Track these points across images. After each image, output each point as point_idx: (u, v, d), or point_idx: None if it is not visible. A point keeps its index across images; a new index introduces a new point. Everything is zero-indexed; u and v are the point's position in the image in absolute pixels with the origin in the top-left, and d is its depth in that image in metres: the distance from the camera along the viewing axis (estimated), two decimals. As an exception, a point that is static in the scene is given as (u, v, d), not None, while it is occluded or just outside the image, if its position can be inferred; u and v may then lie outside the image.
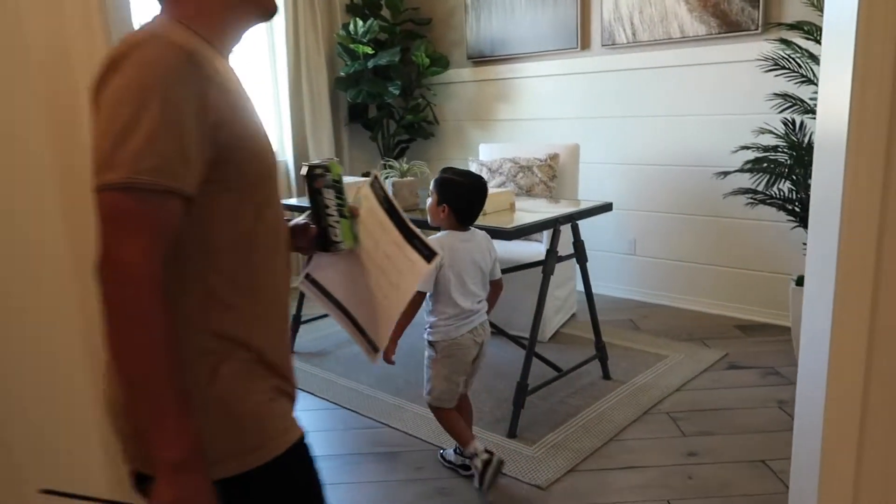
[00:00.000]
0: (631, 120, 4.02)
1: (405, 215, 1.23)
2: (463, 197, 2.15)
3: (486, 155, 4.13)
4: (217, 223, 0.94)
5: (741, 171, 3.12)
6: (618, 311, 3.99)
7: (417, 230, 1.21)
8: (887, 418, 1.41)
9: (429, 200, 2.21)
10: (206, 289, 0.94)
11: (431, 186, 2.20)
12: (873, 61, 1.29)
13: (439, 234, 2.20)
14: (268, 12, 1.06)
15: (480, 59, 4.68)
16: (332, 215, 1.21)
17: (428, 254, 1.19)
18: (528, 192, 3.77)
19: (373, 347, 1.26)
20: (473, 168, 3.99)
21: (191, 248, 0.92)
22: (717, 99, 3.67)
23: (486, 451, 2.22)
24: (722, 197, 3.65)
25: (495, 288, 2.33)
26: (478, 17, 4.61)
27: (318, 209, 1.21)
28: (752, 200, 3.12)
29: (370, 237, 1.24)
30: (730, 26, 3.56)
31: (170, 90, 0.84)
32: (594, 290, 3.07)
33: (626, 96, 3.99)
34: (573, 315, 3.90)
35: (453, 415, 2.28)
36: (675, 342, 3.47)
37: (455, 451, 2.39)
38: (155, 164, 0.82)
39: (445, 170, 2.22)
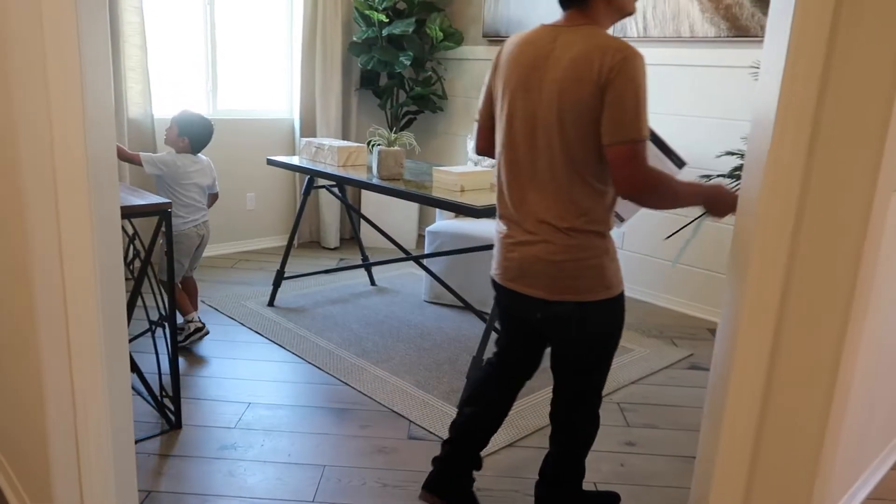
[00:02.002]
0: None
1: (665, 140, 1.84)
2: (201, 134, 3.04)
3: (485, 134, 4.16)
4: None
5: (724, 175, 3.14)
6: (597, 301, 4.03)
7: (672, 148, 1.84)
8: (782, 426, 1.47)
9: (168, 132, 3.03)
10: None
11: (174, 121, 3.02)
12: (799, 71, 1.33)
13: (171, 154, 3.02)
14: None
15: (496, 37, 4.69)
16: None
17: (679, 163, 1.84)
18: (520, 175, 3.81)
19: (619, 218, 1.84)
20: (470, 146, 4.03)
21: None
22: (712, 101, 3.67)
23: (200, 321, 3.14)
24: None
25: (212, 198, 3.24)
26: (497, -5, 4.61)
27: None
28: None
29: None
30: (738, 30, 3.55)
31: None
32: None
33: (630, 90, 3.98)
34: (551, 300, 3.96)
35: (180, 290, 3.13)
36: (645, 337, 3.52)
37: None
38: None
39: (185, 111, 3.06)
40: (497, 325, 2.09)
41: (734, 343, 1.51)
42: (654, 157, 1.78)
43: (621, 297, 1.74)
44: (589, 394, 1.86)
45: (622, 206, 1.80)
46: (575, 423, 1.88)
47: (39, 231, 1.49)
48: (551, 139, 1.60)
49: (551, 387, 1.91)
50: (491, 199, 2.79)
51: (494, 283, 1.82)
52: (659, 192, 1.56)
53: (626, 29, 3.93)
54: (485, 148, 1.87)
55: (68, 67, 1.37)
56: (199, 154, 3.08)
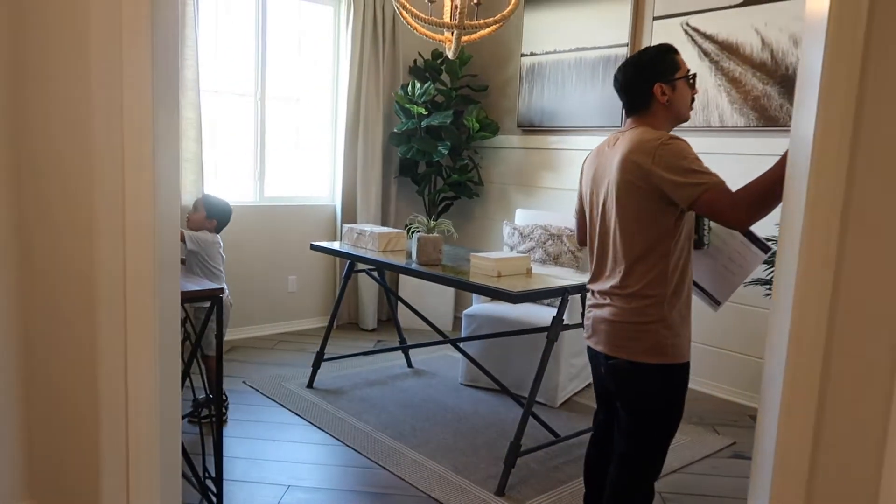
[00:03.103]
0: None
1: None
2: (226, 216, 3.31)
3: (521, 219, 4.28)
4: None
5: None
6: (635, 386, 4.00)
7: (758, 236, 1.97)
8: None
9: (194, 215, 3.22)
10: None
11: (200, 205, 3.24)
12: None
13: (204, 233, 3.19)
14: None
15: (530, 127, 4.88)
16: (706, 229, 2.00)
17: (763, 248, 1.96)
18: (555, 260, 3.89)
19: (715, 301, 2.06)
20: (506, 231, 4.14)
21: None
22: (750, 189, 3.73)
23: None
24: (742, 286, 3.67)
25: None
26: (531, 88, 4.84)
27: (699, 227, 1.98)
28: (769, 292, 3.15)
29: (719, 240, 2.03)
30: (767, 121, 3.66)
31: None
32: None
33: (662, 177, 4.09)
34: (588, 384, 3.94)
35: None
36: (685, 424, 3.46)
37: None
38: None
39: (208, 196, 3.34)
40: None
41: (776, 429, 1.51)
42: (739, 244, 1.98)
43: (679, 369, 1.91)
44: (637, 461, 1.95)
45: (716, 288, 2.05)
46: (624, 485, 1.97)
47: (107, 310, 1.60)
48: (614, 222, 1.90)
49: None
50: (527, 283, 2.86)
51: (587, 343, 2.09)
52: (761, 201, 1.73)
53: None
54: (581, 240, 2.19)
55: (143, 163, 1.52)
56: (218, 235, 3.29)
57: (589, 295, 2.07)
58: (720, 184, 1.75)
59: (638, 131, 1.88)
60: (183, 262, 3.17)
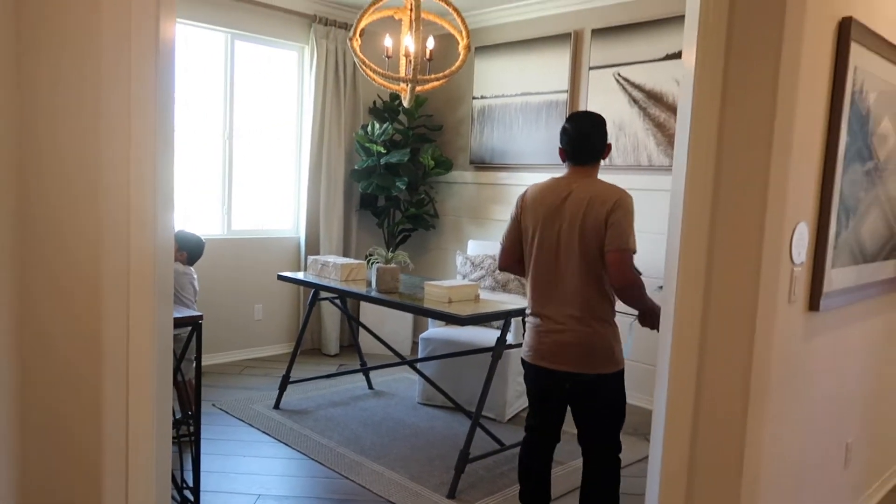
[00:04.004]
0: (603, 232, 4.52)
1: None
2: (197, 248, 3.54)
3: (472, 250, 4.64)
4: None
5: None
6: (578, 402, 4.35)
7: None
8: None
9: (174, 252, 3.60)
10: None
11: (174, 238, 3.57)
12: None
13: (176, 264, 3.22)
14: None
15: (481, 164, 5.28)
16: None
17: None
18: (503, 287, 4.25)
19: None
20: (459, 260, 4.50)
21: None
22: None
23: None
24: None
25: None
26: (482, 129, 5.25)
27: None
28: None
29: None
30: (689, 161, 4.11)
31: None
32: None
33: (600, 211, 4.51)
34: (536, 402, 4.28)
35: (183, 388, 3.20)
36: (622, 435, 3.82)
37: None
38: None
39: (181, 230, 3.47)
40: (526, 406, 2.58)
41: (664, 413, 1.88)
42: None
43: (622, 371, 2.39)
44: (612, 450, 2.41)
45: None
46: (608, 468, 2.43)
47: (113, 329, 1.87)
48: (571, 256, 2.26)
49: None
50: (475, 308, 3.21)
51: (527, 364, 2.41)
52: (636, 289, 2.24)
53: (594, 158, 4.50)
54: (509, 265, 2.51)
55: (146, 206, 1.82)
56: (191, 266, 3.55)
57: (537, 321, 2.36)
58: (633, 252, 2.24)
59: (596, 181, 2.34)
60: None
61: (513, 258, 2.48)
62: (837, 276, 2.35)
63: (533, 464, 2.54)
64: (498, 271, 4.27)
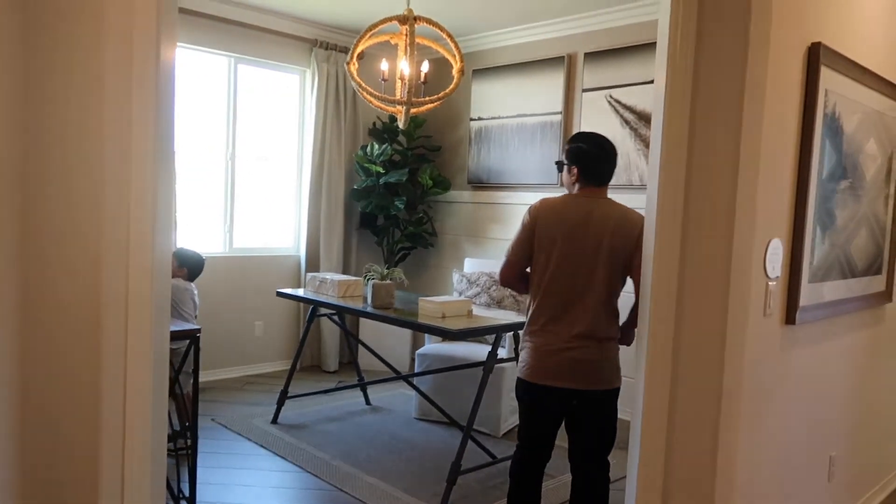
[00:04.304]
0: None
1: None
2: (197, 265, 3.65)
3: (469, 267, 4.73)
4: None
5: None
6: (572, 418, 4.41)
7: None
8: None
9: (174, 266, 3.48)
10: None
11: (175, 255, 3.39)
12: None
13: (176, 279, 3.41)
14: None
15: (479, 184, 5.39)
16: None
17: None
18: (499, 304, 4.33)
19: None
20: (455, 278, 4.58)
21: None
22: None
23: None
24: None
25: None
26: (479, 149, 5.36)
27: None
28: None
29: None
30: (679, 180, 4.20)
31: None
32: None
33: (594, 229, 4.60)
34: (530, 417, 4.34)
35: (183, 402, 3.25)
36: (615, 449, 3.87)
37: None
38: None
39: (182, 248, 3.65)
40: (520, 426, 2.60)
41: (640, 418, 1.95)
42: None
43: None
44: (606, 465, 2.52)
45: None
46: (605, 480, 2.51)
47: (112, 342, 1.96)
48: (593, 273, 2.29)
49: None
50: (467, 323, 3.29)
51: (528, 383, 2.38)
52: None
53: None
54: (511, 279, 2.47)
55: (145, 226, 1.92)
56: (192, 283, 3.66)
57: (543, 339, 2.32)
58: None
59: (614, 201, 2.41)
60: None
61: (518, 272, 2.44)
62: (815, 291, 2.43)
63: (526, 480, 2.56)
64: (493, 288, 4.35)
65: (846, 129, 2.48)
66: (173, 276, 3.64)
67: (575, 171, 2.41)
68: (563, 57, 4.78)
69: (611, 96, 4.50)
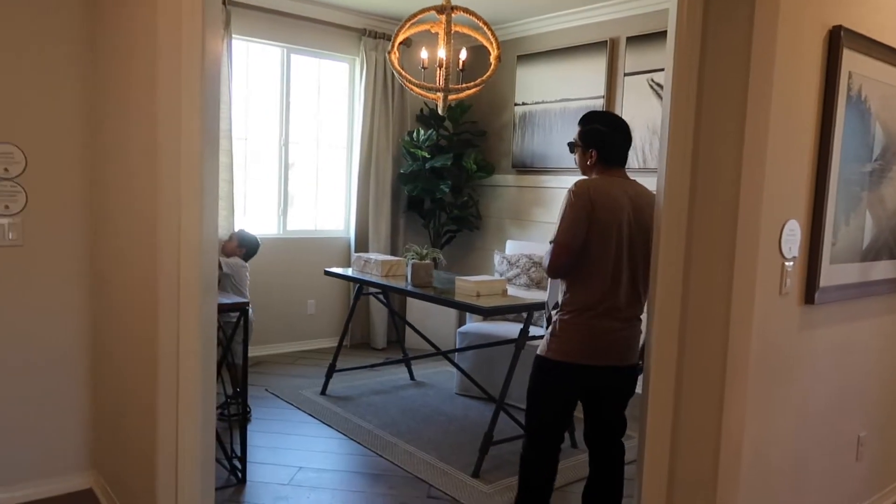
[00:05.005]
0: (637, 232, 4.65)
1: None
2: (254, 247, 4.06)
3: (510, 249, 4.85)
4: None
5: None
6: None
7: None
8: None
9: (227, 243, 4.10)
10: None
11: (234, 236, 4.10)
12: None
13: (234, 259, 3.93)
14: None
15: (523, 168, 5.48)
16: None
17: None
18: (538, 285, 4.44)
19: None
20: (497, 259, 4.71)
21: None
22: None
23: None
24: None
25: None
26: (523, 134, 5.45)
27: None
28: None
29: None
30: (720, 163, 4.20)
31: None
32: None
33: (634, 212, 4.64)
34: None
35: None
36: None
37: None
38: None
39: (242, 230, 4.05)
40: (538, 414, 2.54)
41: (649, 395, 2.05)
42: None
43: None
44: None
45: None
46: (621, 467, 2.57)
47: (167, 313, 2.19)
48: (634, 253, 2.32)
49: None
50: (501, 302, 3.42)
51: (567, 365, 2.33)
52: None
53: (630, 162, 4.63)
54: (567, 264, 2.29)
55: (194, 210, 2.13)
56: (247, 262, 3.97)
57: (593, 320, 2.30)
58: None
59: (637, 182, 2.45)
60: (219, 282, 3.81)
61: (574, 256, 2.28)
62: (838, 272, 2.46)
63: (549, 465, 2.52)
64: (532, 269, 4.47)
65: (874, 111, 2.49)
66: (233, 255, 3.93)
67: (594, 153, 2.42)
68: (605, 41, 4.81)
69: (652, 80, 4.52)
